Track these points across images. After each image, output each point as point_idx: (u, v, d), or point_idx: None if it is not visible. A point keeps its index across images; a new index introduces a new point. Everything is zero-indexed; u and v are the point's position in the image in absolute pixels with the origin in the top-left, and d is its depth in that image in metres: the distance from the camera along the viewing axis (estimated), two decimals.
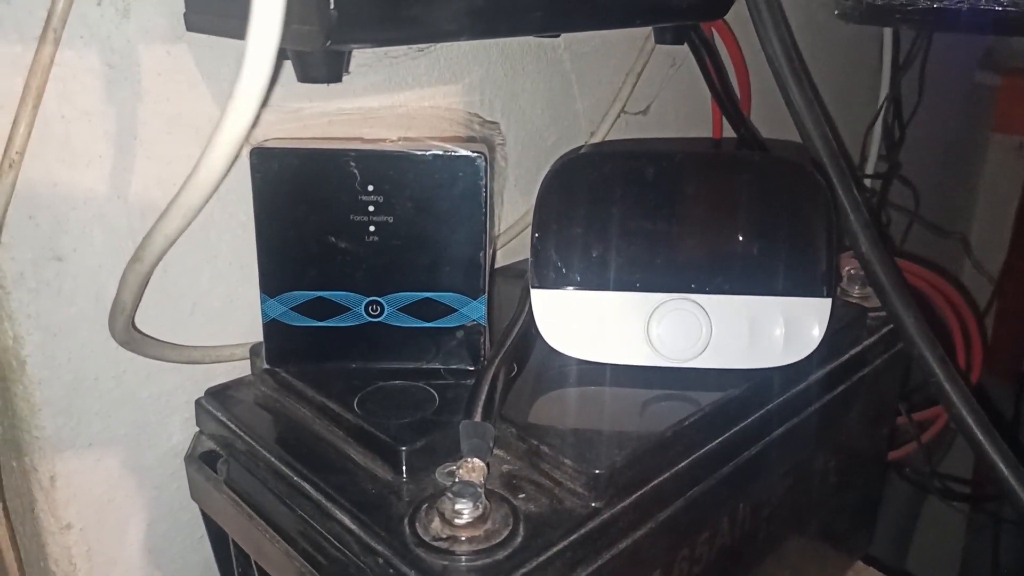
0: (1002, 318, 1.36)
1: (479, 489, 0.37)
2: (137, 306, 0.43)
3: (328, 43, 0.35)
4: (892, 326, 0.55)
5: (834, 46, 0.92)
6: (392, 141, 0.45)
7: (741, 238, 0.47)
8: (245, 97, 0.31)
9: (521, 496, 0.40)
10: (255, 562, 0.46)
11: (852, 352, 0.56)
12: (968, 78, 1.29)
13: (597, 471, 0.39)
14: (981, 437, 0.50)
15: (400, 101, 0.55)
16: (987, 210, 1.40)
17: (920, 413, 0.80)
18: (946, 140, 1.24)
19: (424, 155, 0.44)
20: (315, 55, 0.37)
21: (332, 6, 0.34)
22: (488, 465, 0.39)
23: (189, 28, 0.43)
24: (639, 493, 0.41)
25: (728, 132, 0.77)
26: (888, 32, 0.94)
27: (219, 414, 0.47)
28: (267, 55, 0.30)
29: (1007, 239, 1.32)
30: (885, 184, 1.01)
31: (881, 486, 0.73)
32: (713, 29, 0.70)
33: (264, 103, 0.43)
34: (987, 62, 1.30)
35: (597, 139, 0.69)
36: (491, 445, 0.41)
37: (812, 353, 0.47)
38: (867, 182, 1.00)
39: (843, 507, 0.65)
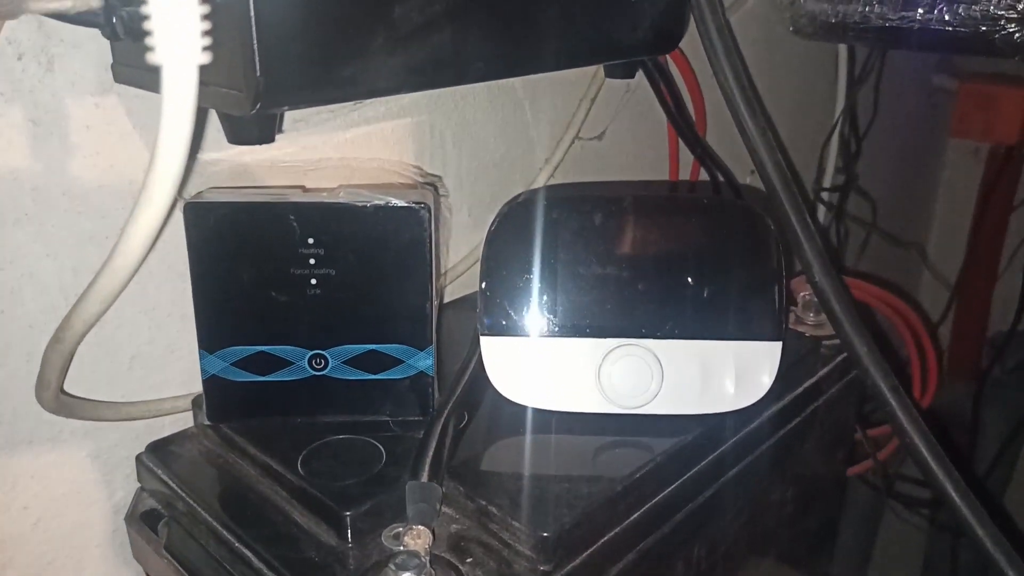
0: (961, 322, 1.37)
1: (424, 559, 0.36)
2: (63, 379, 0.42)
3: (257, 107, 0.33)
4: (846, 354, 0.55)
5: (791, 60, 0.92)
6: (333, 190, 0.44)
7: (691, 282, 0.47)
8: (159, 186, 0.29)
9: (469, 560, 0.39)
10: None
11: (806, 384, 0.55)
12: (926, 83, 1.30)
13: (545, 534, 0.38)
14: (934, 467, 0.51)
15: (347, 137, 0.53)
16: (944, 215, 1.42)
17: (877, 429, 0.80)
18: (904, 148, 1.25)
19: (365, 207, 0.43)
20: (244, 117, 0.36)
21: (259, 71, 0.32)
22: (433, 531, 0.38)
23: (117, 80, 0.42)
24: (589, 551, 0.40)
25: (684, 155, 0.76)
26: (843, 47, 0.94)
27: (159, 472, 0.46)
28: (181, 143, 0.28)
29: (964, 243, 1.33)
30: (842, 197, 1.02)
31: (840, 507, 0.74)
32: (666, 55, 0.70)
33: (198, 152, 0.42)
34: (945, 67, 1.31)
35: (552, 166, 0.68)
36: (438, 507, 0.40)
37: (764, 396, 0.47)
38: (824, 195, 1.00)
39: (802, 532, 0.65)
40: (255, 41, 0.31)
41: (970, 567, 1.08)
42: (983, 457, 1.20)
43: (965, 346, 1.41)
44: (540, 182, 0.68)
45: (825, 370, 0.58)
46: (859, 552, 1.16)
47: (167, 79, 0.26)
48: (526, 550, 0.39)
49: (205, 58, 0.26)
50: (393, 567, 0.36)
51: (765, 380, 0.46)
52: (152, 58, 0.26)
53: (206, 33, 0.26)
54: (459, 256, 0.63)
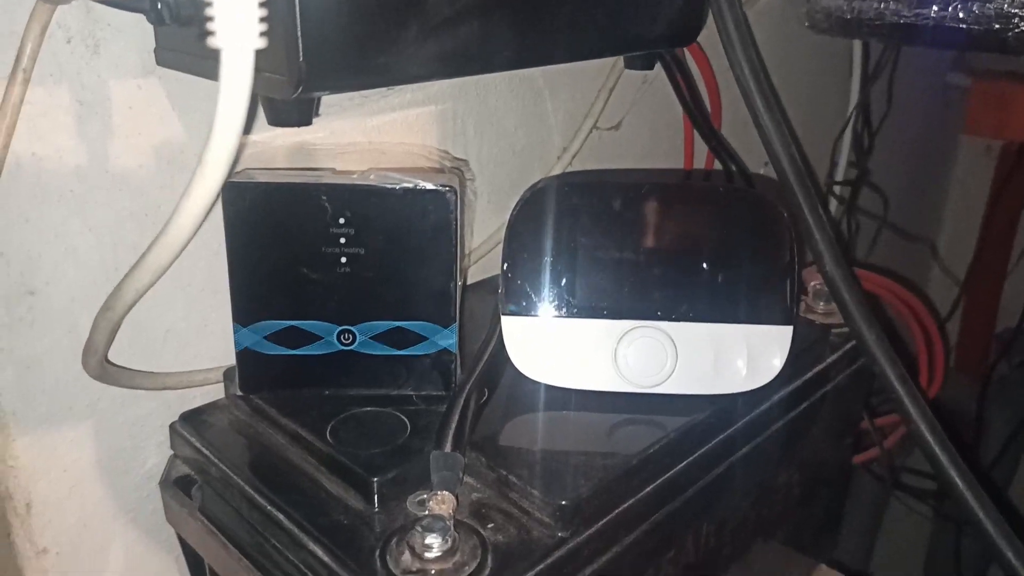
0: (969, 318, 1.38)
1: (448, 522, 0.38)
2: (110, 347, 0.44)
3: (299, 91, 0.35)
4: (855, 342, 0.57)
5: (805, 55, 0.94)
6: (363, 173, 0.46)
7: (706, 267, 0.48)
8: (213, 164, 0.31)
9: (490, 526, 0.41)
10: None
11: (815, 370, 0.57)
12: (940, 79, 1.30)
13: (563, 502, 0.40)
14: (940, 454, 0.52)
15: (373, 123, 0.55)
16: (956, 212, 1.43)
17: (884, 418, 0.81)
18: (916, 144, 1.26)
19: (394, 189, 0.44)
20: (285, 101, 0.38)
21: (301, 57, 0.34)
22: (457, 497, 0.40)
23: (159, 63, 0.43)
24: (604, 520, 0.42)
25: (700, 146, 0.78)
26: (858, 43, 0.95)
27: (193, 439, 0.48)
28: (236, 123, 0.30)
29: (974, 240, 1.34)
30: (854, 191, 1.03)
31: (845, 493, 0.75)
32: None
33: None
34: (959, 64, 1.32)
35: (570, 154, 0.70)
36: (461, 475, 0.42)
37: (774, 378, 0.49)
38: (836, 189, 1.02)
39: (807, 516, 0.66)
40: (299, 29, 0.33)
41: (973, 558, 1.10)
42: (987, 453, 1.21)
43: (973, 342, 1.42)
44: (558, 170, 0.70)
45: (834, 357, 0.59)
46: (864, 541, 1.17)
47: (226, 62, 0.28)
48: (545, 517, 0.41)
49: (262, 43, 0.28)
50: (420, 529, 0.38)
51: (776, 363, 0.48)
52: (212, 42, 0.28)
53: (263, 19, 0.28)
54: (479, 240, 0.65)
